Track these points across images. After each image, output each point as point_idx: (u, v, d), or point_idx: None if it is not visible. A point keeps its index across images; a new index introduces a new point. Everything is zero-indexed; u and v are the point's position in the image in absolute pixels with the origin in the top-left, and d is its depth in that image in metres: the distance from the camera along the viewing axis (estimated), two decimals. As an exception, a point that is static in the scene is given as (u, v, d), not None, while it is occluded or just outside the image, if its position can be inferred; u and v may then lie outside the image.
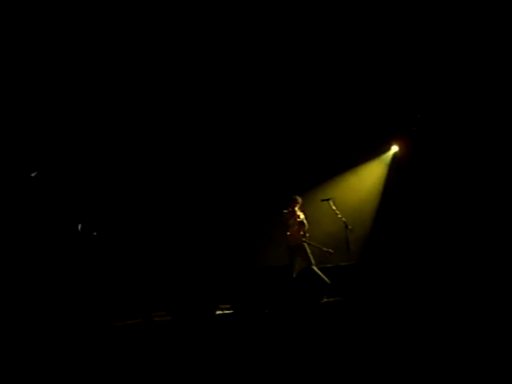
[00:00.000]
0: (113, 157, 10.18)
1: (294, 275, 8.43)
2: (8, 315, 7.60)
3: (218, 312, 8.05)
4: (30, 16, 8.53)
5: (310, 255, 9.79)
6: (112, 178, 10.22)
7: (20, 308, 7.61)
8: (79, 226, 8.67)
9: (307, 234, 10.06)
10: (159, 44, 9.54)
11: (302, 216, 10.20)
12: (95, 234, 8.62)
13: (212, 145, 11.19)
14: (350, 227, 10.06)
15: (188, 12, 9.05)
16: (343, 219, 10.14)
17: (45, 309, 7.53)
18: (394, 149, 12.20)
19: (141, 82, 10.02)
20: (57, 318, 7.41)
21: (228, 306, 8.19)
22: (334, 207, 10.22)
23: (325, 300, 8.40)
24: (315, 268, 8.62)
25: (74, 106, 9.80)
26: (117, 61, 9.63)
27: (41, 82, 9.37)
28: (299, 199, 10.23)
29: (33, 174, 8.75)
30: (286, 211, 10.14)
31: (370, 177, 12.15)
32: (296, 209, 10.17)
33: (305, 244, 9.97)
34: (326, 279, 8.50)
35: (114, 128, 10.14)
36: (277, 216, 10.41)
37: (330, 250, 9.95)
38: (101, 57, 9.47)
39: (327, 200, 10.32)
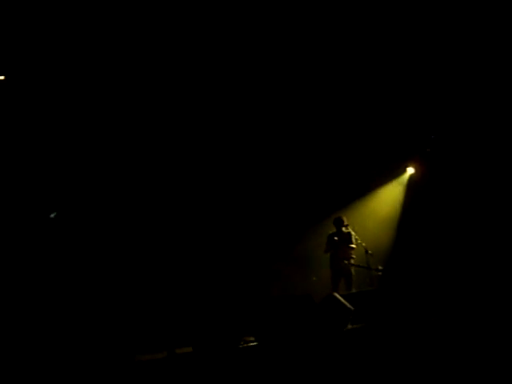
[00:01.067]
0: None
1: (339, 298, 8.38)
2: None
3: (243, 344, 8.00)
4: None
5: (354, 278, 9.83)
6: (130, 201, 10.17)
7: (47, 342, 7.61)
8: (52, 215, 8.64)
9: (354, 256, 10.06)
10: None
11: (353, 234, 10.18)
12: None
13: (234, 170, 11.18)
14: (370, 252, 10.01)
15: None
16: (363, 244, 10.10)
17: (70, 342, 7.52)
18: (410, 171, 12.18)
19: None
20: (81, 351, 7.40)
21: (252, 338, 8.14)
22: (353, 232, 10.20)
23: (349, 327, 8.31)
24: (337, 295, 8.55)
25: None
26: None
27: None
28: (345, 219, 10.23)
29: (52, 215, 8.79)
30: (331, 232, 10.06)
31: (387, 200, 12.13)
32: (343, 228, 10.16)
33: (351, 268, 9.99)
34: (348, 306, 8.42)
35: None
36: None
37: (379, 267, 9.88)
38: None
39: (346, 226, 10.31)
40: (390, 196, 12.20)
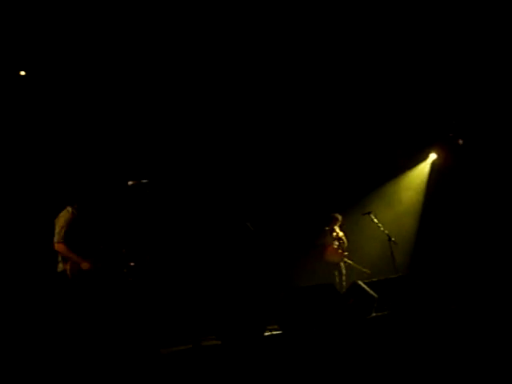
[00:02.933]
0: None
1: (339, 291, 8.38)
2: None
3: (267, 333, 8.01)
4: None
5: (344, 274, 9.89)
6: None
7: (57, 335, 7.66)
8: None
9: (345, 253, 10.08)
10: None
11: (341, 234, 10.22)
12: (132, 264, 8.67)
13: (247, 160, 11.18)
14: (393, 239, 9.97)
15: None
16: (386, 232, 10.05)
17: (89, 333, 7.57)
18: (432, 157, 12.08)
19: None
20: (103, 344, 7.44)
21: (276, 326, 8.15)
22: (375, 220, 10.16)
23: (373, 315, 8.29)
24: (361, 283, 8.53)
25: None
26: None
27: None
28: (339, 217, 10.28)
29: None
30: (327, 228, 10.19)
31: (410, 187, 12.06)
32: (335, 227, 10.22)
33: (342, 263, 10.04)
34: (372, 293, 8.40)
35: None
36: (316, 235, 10.43)
37: (367, 271, 9.98)
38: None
39: (368, 213, 10.28)
40: (412, 183, 12.11)
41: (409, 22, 9.44)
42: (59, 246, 7.11)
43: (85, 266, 7.19)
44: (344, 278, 10.11)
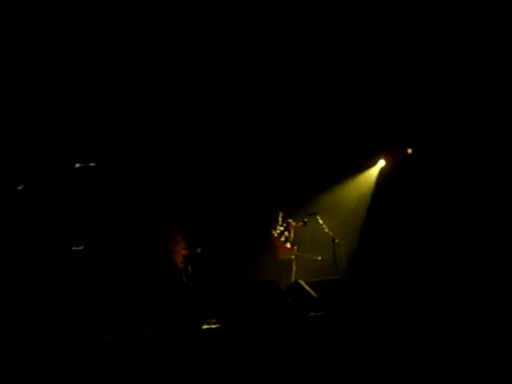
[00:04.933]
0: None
1: (282, 289, 8.43)
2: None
3: (205, 326, 8.02)
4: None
5: (294, 270, 9.94)
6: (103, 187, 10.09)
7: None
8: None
9: (295, 247, 10.13)
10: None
11: (286, 232, 10.25)
12: (81, 247, 8.56)
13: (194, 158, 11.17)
14: (336, 241, 10.12)
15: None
16: (330, 233, 10.19)
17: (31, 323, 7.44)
18: (381, 163, 12.25)
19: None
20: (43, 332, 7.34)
21: (214, 320, 8.17)
22: (321, 221, 10.27)
23: (312, 314, 8.40)
24: (302, 282, 8.63)
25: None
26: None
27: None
28: (281, 214, 10.30)
29: (19, 188, 8.64)
30: (274, 231, 10.16)
31: (356, 191, 12.19)
32: (278, 224, 10.23)
33: (292, 258, 10.07)
34: (313, 293, 8.51)
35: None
36: (262, 231, 10.47)
37: (318, 258, 10.01)
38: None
39: (314, 214, 10.38)
40: (360, 187, 12.25)
41: (363, 31, 9.59)
42: None
43: None
44: (293, 274, 10.12)
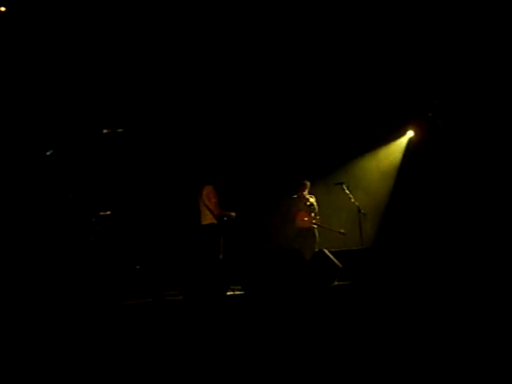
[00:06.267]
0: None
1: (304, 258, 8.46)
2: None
3: (229, 293, 8.09)
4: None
5: (317, 240, 9.98)
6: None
7: (25, 287, 7.64)
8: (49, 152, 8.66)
9: (317, 217, 10.14)
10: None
11: (311, 200, 10.28)
12: (108, 213, 8.64)
13: (224, 123, 11.16)
14: (362, 211, 10.09)
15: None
16: (356, 203, 10.16)
17: (53, 287, 7.57)
18: (410, 134, 12.13)
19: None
20: (65, 298, 7.45)
21: (239, 287, 8.23)
22: (347, 191, 10.24)
23: (336, 283, 8.42)
24: (327, 251, 8.63)
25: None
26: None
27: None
28: (307, 183, 10.33)
29: (48, 153, 8.73)
30: (295, 196, 10.25)
31: (384, 162, 12.11)
32: (305, 193, 10.27)
33: (315, 228, 10.09)
34: (337, 263, 8.51)
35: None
36: (286, 199, 10.51)
37: (341, 230, 10.04)
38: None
39: (341, 184, 10.35)
40: (387, 158, 12.15)
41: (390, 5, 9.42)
42: None
43: None
44: (316, 244, 10.18)
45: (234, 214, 9.19)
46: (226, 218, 9.09)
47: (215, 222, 8.97)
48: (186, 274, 8.05)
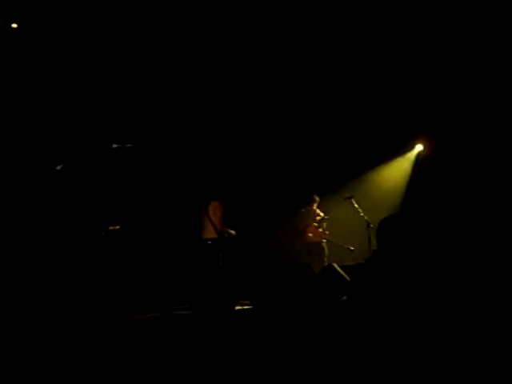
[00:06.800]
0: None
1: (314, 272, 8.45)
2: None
3: (238, 307, 8.08)
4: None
5: (326, 254, 9.97)
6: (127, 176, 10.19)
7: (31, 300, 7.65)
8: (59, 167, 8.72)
9: (327, 232, 10.14)
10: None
11: (321, 214, 10.30)
12: (117, 227, 8.66)
13: (231, 138, 11.19)
14: (371, 226, 10.05)
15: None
16: (365, 217, 10.13)
17: (61, 301, 7.58)
18: (419, 148, 12.12)
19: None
20: (74, 311, 7.46)
21: (248, 301, 8.22)
22: (356, 205, 10.23)
23: (345, 298, 8.38)
24: (336, 266, 8.61)
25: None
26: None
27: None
28: (317, 198, 10.37)
29: (58, 167, 8.79)
30: (303, 210, 10.28)
31: (393, 175, 12.10)
32: (314, 207, 10.30)
33: (324, 242, 10.09)
34: (346, 277, 8.48)
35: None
36: (295, 214, 10.52)
37: (350, 247, 10.02)
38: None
39: (350, 198, 10.34)
40: (396, 172, 12.15)
41: (393, 14, 9.43)
42: None
43: None
44: (326, 258, 10.17)
45: (234, 232, 9.26)
46: (226, 235, 9.14)
47: (216, 236, 9.03)
48: (194, 289, 8.05)
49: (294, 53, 10.13)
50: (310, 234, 10.32)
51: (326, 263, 9.76)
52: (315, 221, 10.31)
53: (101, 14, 8.76)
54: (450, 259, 9.63)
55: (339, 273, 8.46)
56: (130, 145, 8.75)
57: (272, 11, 9.18)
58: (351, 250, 10.10)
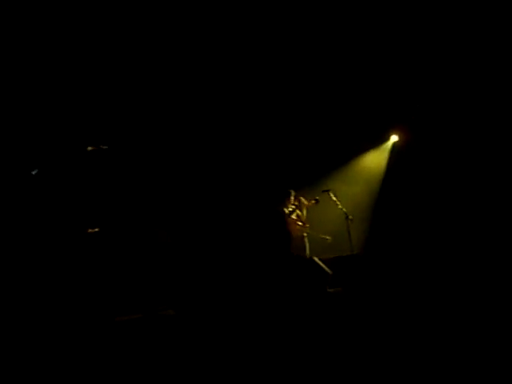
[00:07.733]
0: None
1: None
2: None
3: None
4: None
5: (308, 247, 9.97)
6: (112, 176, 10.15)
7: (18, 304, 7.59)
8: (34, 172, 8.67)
9: (307, 225, 10.15)
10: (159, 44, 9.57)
11: (298, 211, 10.28)
12: (96, 230, 8.61)
13: (209, 138, 11.16)
14: (350, 217, 10.11)
15: (188, 12, 9.08)
16: (344, 210, 10.18)
17: (45, 305, 7.53)
18: (394, 138, 12.19)
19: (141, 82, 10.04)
20: (58, 313, 7.42)
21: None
22: (334, 198, 10.26)
23: (328, 290, 8.45)
24: (317, 259, 8.66)
25: (73, 105, 9.78)
26: (117, 60, 9.63)
27: (41, 81, 9.37)
28: (292, 192, 10.33)
29: (33, 172, 8.71)
30: (287, 210, 10.22)
31: (369, 167, 12.15)
32: (291, 202, 10.27)
33: (304, 236, 10.10)
34: (327, 269, 8.54)
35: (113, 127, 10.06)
36: (274, 210, 10.50)
37: (327, 237, 10.03)
38: (101, 56, 9.47)
39: (327, 191, 10.37)
40: (372, 163, 12.22)
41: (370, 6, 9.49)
42: None
43: None
44: (308, 251, 10.17)
45: None
46: None
47: None
48: (178, 290, 8.05)
49: (269, 42, 10.12)
50: (291, 228, 10.28)
51: (308, 257, 9.78)
52: (292, 215, 10.28)
53: (82, 13, 8.70)
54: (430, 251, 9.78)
55: (320, 266, 8.52)
56: (105, 147, 8.69)
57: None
58: (327, 240, 10.11)
